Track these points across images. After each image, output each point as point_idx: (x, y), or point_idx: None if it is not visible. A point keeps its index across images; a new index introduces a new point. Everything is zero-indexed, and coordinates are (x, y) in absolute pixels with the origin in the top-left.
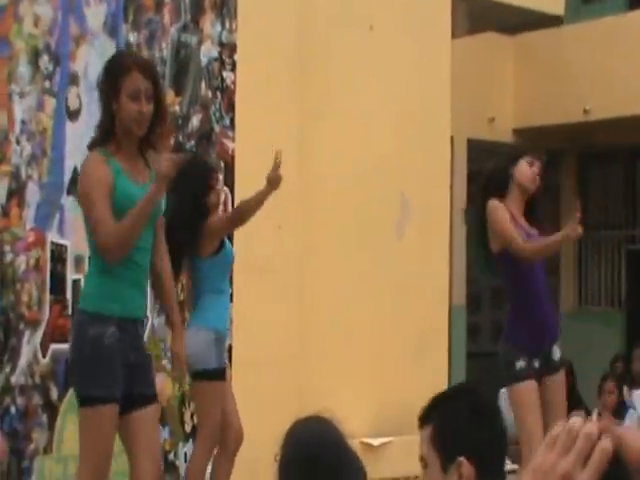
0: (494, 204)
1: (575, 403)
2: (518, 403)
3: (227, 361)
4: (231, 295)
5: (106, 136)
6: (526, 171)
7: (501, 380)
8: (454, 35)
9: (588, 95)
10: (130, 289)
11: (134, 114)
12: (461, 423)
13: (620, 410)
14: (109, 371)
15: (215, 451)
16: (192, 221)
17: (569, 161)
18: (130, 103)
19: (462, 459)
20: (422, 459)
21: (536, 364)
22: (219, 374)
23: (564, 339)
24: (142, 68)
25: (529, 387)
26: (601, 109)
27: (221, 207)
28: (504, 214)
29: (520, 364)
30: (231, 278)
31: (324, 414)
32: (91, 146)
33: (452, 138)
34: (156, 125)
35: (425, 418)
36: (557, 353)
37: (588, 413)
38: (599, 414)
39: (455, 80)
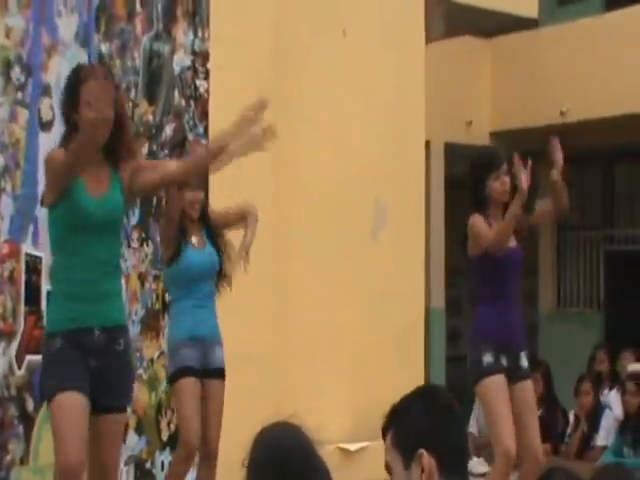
0: (475, 220)
1: (551, 405)
2: (487, 398)
3: (216, 366)
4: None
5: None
6: (497, 189)
7: (470, 379)
8: (430, 39)
9: (565, 97)
10: (73, 302)
11: (93, 121)
12: (417, 420)
13: (597, 411)
14: (58, 367)
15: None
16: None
17: (546, 163)
18: (87, 111)
19: (422, 451)
20: (387, 466)
21: (504, 362)
22: (185, 373)
23: (543, 340)
24: (97, 76)
25: (498, 381)
26: (578, 111)
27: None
28: (479, 221)
29: (488, 359)
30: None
31: (293, 419)
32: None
33: (429, 142)
34: (118, 131)
35: (386, 427)
36: (525, 362)
37: (565, 414)
38: (576, 415)
39: (432, 84)
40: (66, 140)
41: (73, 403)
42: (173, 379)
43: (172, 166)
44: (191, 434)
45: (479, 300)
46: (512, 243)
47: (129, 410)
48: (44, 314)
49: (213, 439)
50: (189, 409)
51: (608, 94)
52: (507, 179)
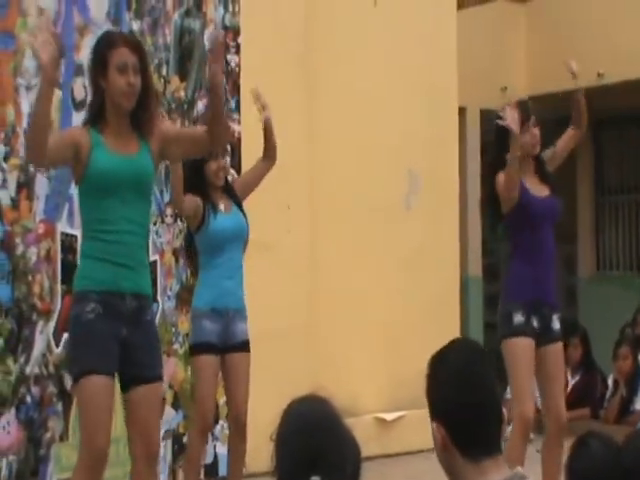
0: (499, 177)
1: (590, 370)
2: (512, 357)
3: (238, 339)
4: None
5: (96, 115)
6: (525, 140)
7: (499, 334)
8: (464, 5)
9: (601, 59)
10: (105, 264)
11: (123, 86)
12: (432, 389)
13: (636, 375)
14: (88, 343)
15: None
16: (190, 187)
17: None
18: (118, 77)
19: (434, 423)
20: None
21: (535, 323)
22: (204, 349)
23: (582, 305)
24: (128, 42)
25: (525, 343)
26: (615, 72)
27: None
28: (500, 177)
29: (518, 318)
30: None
31: (321, 392)
32: (83, 124)
33: (465, 109)
34: (144, 100)
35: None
36: (557, 324)
37: (603, 378)
38: (615, 380)
39: (466, 51)
40: (93, 111)
41: (98, 388)
42: (192, 352)
43: (199, 130)
44: (206, 410)
45: (513, 255)
46: (544, 192)
47: (166, 385)
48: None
49: (241, 411)
50: (206, 388)
51: None
52: (537, 131)
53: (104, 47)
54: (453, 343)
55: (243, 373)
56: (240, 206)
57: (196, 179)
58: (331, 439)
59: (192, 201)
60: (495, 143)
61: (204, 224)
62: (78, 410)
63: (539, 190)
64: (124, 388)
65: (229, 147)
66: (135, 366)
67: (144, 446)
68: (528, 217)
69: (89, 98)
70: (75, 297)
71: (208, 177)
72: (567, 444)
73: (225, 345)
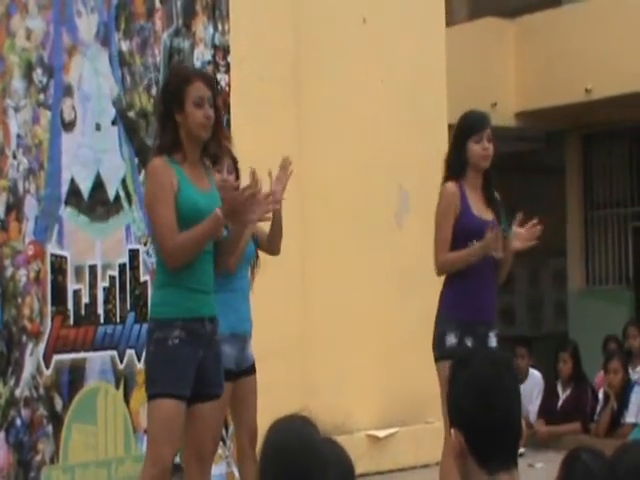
0: (447, 190)
1: (580, 384)
2: (442, 380)
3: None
4: None
5: (173, 146)
6: (476, 151)
7: (434, 353)
8: (454, 22)
9: (590, 75)
10: (192, 293)
11: (201, 119)
12: (452, 394)
13: (626, 388)
14: (171, 367)
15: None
16: None
17: (573, 141)
18: (196, 110)
19: (452, 430)
20: None
21: (469, 344)
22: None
23: (572, 319)
24: (203, 77)
25: None
26: (603, 88)
27: None
28: (449, 211)
29: (451, 340)
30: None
31: (303, 413)
32: (155, 155)
33: (454, 126)
34: (216, 132)
35: None
36: (493, 341)
37: (593, 391)
38: (605, 393)
39: (456, 67)
40: (170, 142)
41: (173, 412)
42: None
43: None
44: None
45: (449, 274)
46: (487, 215)
47: None
48: (70, 313)
49: (255, 434)
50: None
51: (633, 70)
52: (489, 145)
53: (181, 82)
54: (478, 351)
55: (255, 396)
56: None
57: None
58: (314, 459)
59: None
60: (452, 144)
61: None
62: (149, 426)
63: (482, 211)
64: (191, 402)
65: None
66: (206, 385)
67: (198, 457)
68: (466, 236)
69: (78, 119)
70: (159, 323)
71: None
72: (556, 458)
73: (239, 370)
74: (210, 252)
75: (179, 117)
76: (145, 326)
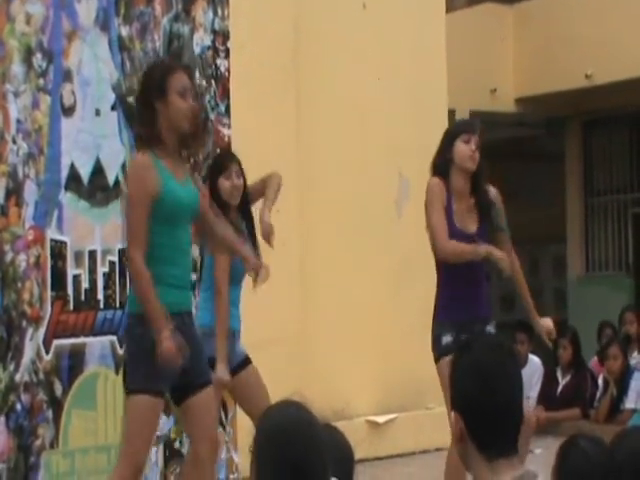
0: (432, 184)
1: (580, 370)
2: (442, 378)
3: (241, 358)
4: None
5: (153, 138)
6: (463, 151)
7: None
8: (453, 8)
9: (589, 60)
10: (171, 288)
11: (185, 111)
12: (454, 379)
13: (626, 374)
14: (152, 365)
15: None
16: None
17: (573, 127)
18: (180, 100)
19: (452, 413)
20: None
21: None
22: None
23: (572, 305)
24: (184, 69)
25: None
26: (603, 73)
27: None
28: (438, 202)
29: (447, 339)
30: None
31: (295, 397)
32: (138, 148)
33: (454, 111)
34: (196, 126)
35: None
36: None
37: (593, 377)
38: (605, 379)
39: (455, 53)
40: (153, 134)
41: (150, 408)
42: None
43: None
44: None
45: (441, 276)
46: (472, 226)
47: None
48: (70, 298)
49: None
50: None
51: (633, 55)
52: (475, 147)
53: (164, 70)
54: (482, 337)
55: (260, 382)
56: (253, 231)
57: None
58: (310, 444)
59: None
60: (439, 146)
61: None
62: (126, 420)
63: (466, 221)
64: (181, 398)
65: (218, 151)
66: (194, 375)
67: (207, 445)
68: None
69: (78, 104)
70: (140, 319)
71: (223, 195)
72: (556, 444)
73: (231, 366)
74: (188, 247)
75: (160, 105)
76: None
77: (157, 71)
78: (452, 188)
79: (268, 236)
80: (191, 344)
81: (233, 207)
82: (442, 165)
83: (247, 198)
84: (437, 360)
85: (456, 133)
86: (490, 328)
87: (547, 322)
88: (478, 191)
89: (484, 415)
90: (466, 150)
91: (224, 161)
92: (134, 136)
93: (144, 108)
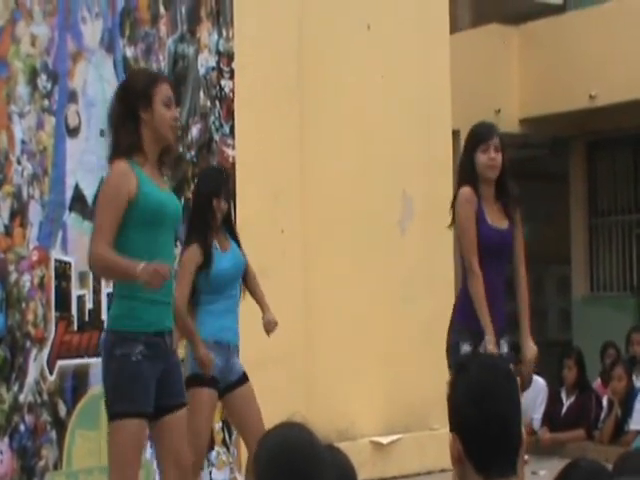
0: (462, 192)
1: (584, 391)
2: None
3: (237, 374)
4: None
5: (134, 147)
6: (482, 162)
7: (448, 362)
8: (458, 29)
9: (593, 81)
10: (151, 306)
11: (170, 121)
12: (451, 399)
13: (630, 395)
14: (134, 386)
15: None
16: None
17: (577, 148)
18: (165, 110)
19: (451, 434)
20: None
21: (482, 351)
22: (206, 382)
23: (577, 326)
24: (167, 80)
25: None
26: (607, 94)
27: None
28: (469, 216)
29: (465, 348)
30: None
31: (296, 418)
32: (116, 156)
33: (459, 132)
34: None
35: None
36: (504, 348)
37: (597, 398)
38: (609, 400)
39: (460, 73)
40: (132, 143)
41: (140, 432)
42: (192, 383)
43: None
44: (203, 445)
45: (463, 284)
46: (503, 224)
47: None
48: (74, 319)
49: None
50: (204, 422)
51: (637, 76)
52: (496, 155)
53: (148, 81)
54: (479, 356)
55: (253, 403)
56: (237, 241)
57: (199, 219)
58: (311, 465)
59: (192, 261)
60: (462, 156)
61: (204, 270)
62: (112, 448)
63: (498, 220)
64: (159, 416)
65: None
66: (169, 396)
67: (175, 468)
68: (482, 248)
69: (83, 125)
70: (120, 338)
71: (214, 215)
72: (560, 466)
73: (225, 382)
74: (171, 258)
75: (145, 115)
76: None
77: (141, 81)
78: (480, 194)
79: (271, 330)
80: (170, 363)
81: (217, 225)
82: (468, 177)
83: (229, 215)
84: (451, 367)
85: (475, 144)
86: (504, 341)
87: (533, 350)
88: (503, 195)
89: (481, 436)
90: (485, 160)
91: None
92: (109, 145)
93: (126, 117)
